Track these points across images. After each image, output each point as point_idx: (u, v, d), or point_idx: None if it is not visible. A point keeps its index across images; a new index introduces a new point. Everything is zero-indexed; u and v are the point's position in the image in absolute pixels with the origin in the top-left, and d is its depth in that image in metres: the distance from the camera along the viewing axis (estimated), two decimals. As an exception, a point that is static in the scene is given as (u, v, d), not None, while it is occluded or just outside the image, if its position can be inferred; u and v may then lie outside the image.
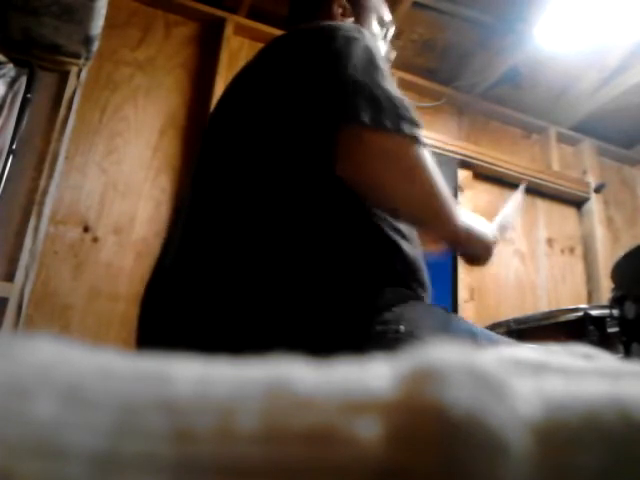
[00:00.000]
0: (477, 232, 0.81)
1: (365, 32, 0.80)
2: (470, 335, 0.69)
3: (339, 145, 0.70)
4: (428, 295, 0.78)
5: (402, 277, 0.72)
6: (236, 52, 2.30)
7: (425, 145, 0.73)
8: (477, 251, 0.83)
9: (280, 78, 0.76)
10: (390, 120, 0.69)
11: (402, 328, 0.62)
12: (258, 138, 0.74)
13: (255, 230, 0.68)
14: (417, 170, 0.71)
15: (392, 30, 1.06)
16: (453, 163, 2.57)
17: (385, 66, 0.76)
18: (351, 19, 0.98)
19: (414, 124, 0.71)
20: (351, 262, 0.68)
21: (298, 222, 0.69)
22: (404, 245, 0.75)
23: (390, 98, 0.71)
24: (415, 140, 0.71)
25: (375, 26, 1.01)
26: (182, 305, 0.69)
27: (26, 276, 1.68)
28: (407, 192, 0.72)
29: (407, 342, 0.61)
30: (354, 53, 0.73)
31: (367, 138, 0.69)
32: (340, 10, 0.98)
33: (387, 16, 1.04)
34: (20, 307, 1.65)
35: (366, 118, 0.68)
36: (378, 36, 1.01)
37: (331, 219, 0.70)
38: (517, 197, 1.06)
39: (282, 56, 0.78)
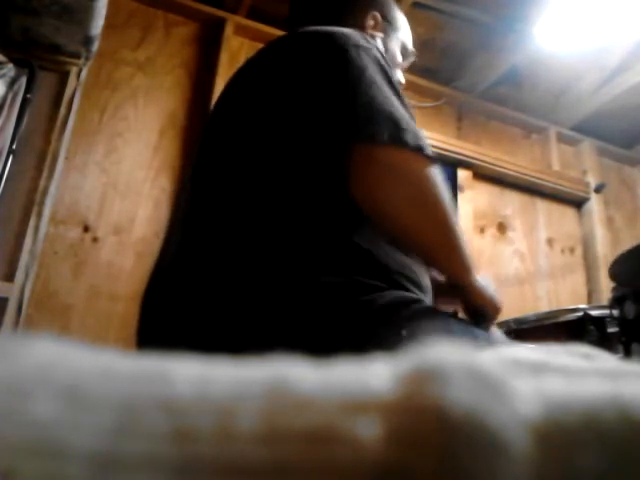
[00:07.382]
0: (489, 288, 0.74)
1: (375, 44, 0.78)
2: (471, 338, 0.68)
3: (352, 162, 0.68)
4: (429, 298, 0.78)
5: (399, 281, 0.72)
6: (236, 52, 2.29)
7: (437, 166, 0.71)
8: (486, 307, 0.73)
9: (289, 82, 0.75)
10: (408, 137, 0.67)
11: (404, 332, 0.62)
12: (263, 141, 0.73)
13: (255, 230, 0.68)
14: (429, 189, 0.69)
15: (410, 61, 1.03)
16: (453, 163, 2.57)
17: (396, 82, 0.75)
18: (380, 35, 0.96)
19: (425, 143, 0.69)
20: (351, 265, 0.68)
21: (300, 225, 0.69)
22: (400, 251, 0.74)
23: (403, 116, 0.69)
24: (430, 160, 0.70)
25: (397, 51, 1.00)
26: (182, 304, 0.69)
27: (26, 276, 1.68)
28: (418, 213, 0.69)
29: (408, 344, 0.60)
30: (366, 66, 0.72)
31: (382, 155, 0.67)
32: (372, 22, 0.95)
33: (410, 46, 1.02)
34: (20, 307, 1.65)
35: (382, 135, 0.66)
36: (398, 62, 0.99)
37: (334, 226, 0.70)
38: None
39: (292, 57, 0.77)
